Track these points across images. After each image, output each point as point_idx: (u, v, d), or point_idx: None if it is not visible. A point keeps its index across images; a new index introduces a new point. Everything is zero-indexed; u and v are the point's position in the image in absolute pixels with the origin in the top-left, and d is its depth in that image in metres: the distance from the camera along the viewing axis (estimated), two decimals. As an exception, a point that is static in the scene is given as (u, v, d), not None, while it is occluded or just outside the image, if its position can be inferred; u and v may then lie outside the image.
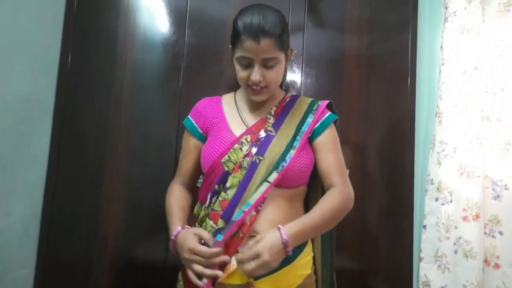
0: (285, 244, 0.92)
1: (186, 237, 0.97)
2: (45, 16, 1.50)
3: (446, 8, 1.70)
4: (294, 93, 1.31)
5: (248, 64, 1.02)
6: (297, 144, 1.06)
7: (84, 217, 1.54)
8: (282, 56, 1.05)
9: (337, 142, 1.14)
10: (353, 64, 1.75)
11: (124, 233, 1.55)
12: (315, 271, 1.13)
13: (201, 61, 1.65)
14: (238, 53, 1.03)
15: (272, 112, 1.12)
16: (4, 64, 1.28)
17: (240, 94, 1.18)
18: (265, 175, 1.01)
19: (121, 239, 1.55)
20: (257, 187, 1.00)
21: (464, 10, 1.66)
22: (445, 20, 1.70)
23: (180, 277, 1.08)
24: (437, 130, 1.67)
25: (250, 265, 0.89)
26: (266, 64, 1.02)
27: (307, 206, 1.15)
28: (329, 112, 1.15)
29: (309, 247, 1.11)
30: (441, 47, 1.70)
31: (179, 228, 1.02)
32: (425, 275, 1.63)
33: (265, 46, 0.98)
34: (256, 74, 1.02)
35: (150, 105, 1.61)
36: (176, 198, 1.13)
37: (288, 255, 0.94)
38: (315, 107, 1.13)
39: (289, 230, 0.94)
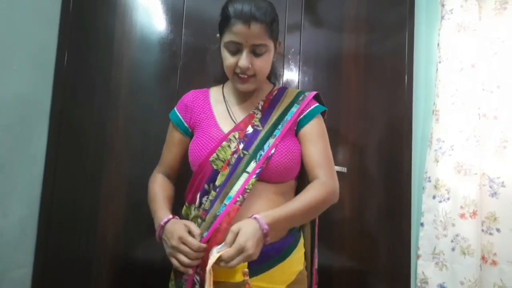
0: (265, 234, 0.90)
1: (176, 226, 0.96)
2: (41, 15, 1.49)
3: (442, 6, 1.71)
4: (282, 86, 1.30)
5: (236, 50, 1.01)
6: (277, 132, 1.03)
7: (82, 217, 1.54)
8: (271, 45, 1.04)
9: (324, 134, 1.10)
10: (350, 63, 1.75)
11: (123, 232, 1.55)
12: (306, 267, 1.13)
13: (198, 60, 1.65)
14: (226, 38, 1.01)
15: (260, 107, 1.10)
16: (0, 63, 1.28)
17: (228, 87, 1.16)
18: (245, 166, 1.00)
19: (120, 239, 1.55)
20: (238, 179, 0.99)
21: (461, 7, 1.66)
22: (442, 18, 1.70)
23: (172, 276, 1.07)
24: (434, 128, 1.67)
25: (235, 261, 0.87)
26: (255, 51, 1.01)
27: None
28: (316, 104, 1.13)
29: (301, 243, 1.11)
30: (438, 45, 1.71)
31: (170, 216, 1.01)
32: (423, 272, 1.63)
33: (255, 31, 0.97)
34: (244, 60, 1.00)
35: (147, 104, 1.61)
36: (161, 186, 1.13)
37: (265, 244, 0.92)
38: (300, 98, 1.12)
39: (266, 218, 0.91)
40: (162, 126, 1.60)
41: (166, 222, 0.99)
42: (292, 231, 1.07)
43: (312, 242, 1.19)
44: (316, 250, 1.20)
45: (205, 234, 0.96)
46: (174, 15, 1.65)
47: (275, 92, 1.15)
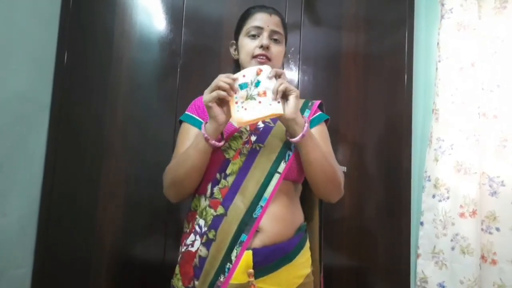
0: (305, 121, 0.98)
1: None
2: (41, 14, 1.49)
3: (442, 5, 1.71)
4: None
5: (257, 35, 1.10)
6: None
7: (81, 216, 1.53)
8: (284, 40, 1.15)
9: (329, 140, 1.15)
10: (350, 62, 1.75)
11: (122, 232, 1.55)
12: (313, 271, 1.12)
13: (198, 59, 1.65)
14: (249, 25, 1.11)
15: None
16: (0, 62, 1.27)
17: None
18: (270, 164, 1.02)
19: (118, 238, 1.55)
20: (269, 179, 1.01)
21: (461, 7, 1.66)
22: (442, 17, 1.70)
23: (177, 271, 1.06)
24: (434, 127, 1.67)
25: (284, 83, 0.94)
26: (273, 37, 1.11)
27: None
28: (320, 112, 1.19)
29: (307, 246, 1.10)
30: (438, 44, 1.71)
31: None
32: (422, 271, 1.63)
33: (275, 19, 1.12)
34: (265, 39, 1.09)
35: (147, 103, 1.61)
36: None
37: (303, 130, 0.96)
38: (310, 104, 1.17)
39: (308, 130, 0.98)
40: (161, 125, 1.61)
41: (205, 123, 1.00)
42: (298, 232, 1.07)
43: (319, 246, 1.19)
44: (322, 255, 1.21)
45: (244, 237, 0.96)
46: (174, 14, 1.65)
47: None
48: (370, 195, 1.70)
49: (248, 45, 1.10)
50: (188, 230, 1.07)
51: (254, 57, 1.09)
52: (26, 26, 1.40)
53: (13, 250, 1.39)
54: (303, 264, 1.05)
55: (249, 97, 0.95)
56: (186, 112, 1.17)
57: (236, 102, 0.95)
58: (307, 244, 1.10)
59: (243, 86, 0.96)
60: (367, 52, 1.75)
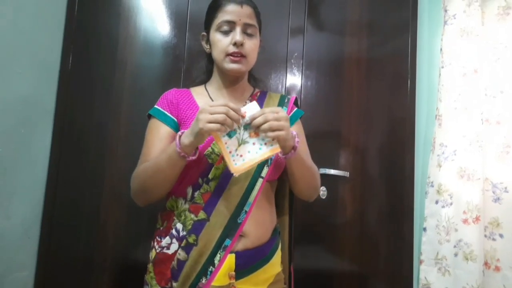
0: (294, 137, 0.94)
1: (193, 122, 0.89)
2: (46, 19, 1.51)
3: (445, 11, 1.71)
4: (288, 95, 1.31)
5: (229, 30, 1.05)
6: None
7: (84, 219, 1.54)
8: (258, 32, 1.09)
9: (304, 137, 1.16)
10: (353, 67, 1.76)
11: (124, 235, 1.55)
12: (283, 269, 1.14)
13: (201, 64, 1.65)
14: (219, 19, 1.05)
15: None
16: (5, 66, 1.29)
17: (212, 86, 1.16)
18: (254, 169, 0.99)
19: (122, 241, 1.55)
20: (253, 184, 0.99)
21: (464, 13, 1.66)
22: (445, 23, 1.71)
23: (150, 269, 1.05)
24: (437, 132, 1.67)
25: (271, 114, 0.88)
26: (247, 31, 1.05)
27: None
28: (296, 108, 1.18)
29: (280, 246, 1.12)
30: (441, 50, 1.71)
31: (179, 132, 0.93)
32: (425, 277, 1.62)
33: (247, 11, 1.05)
34: (238, 35, 1.03)
35: (150, 108, 1.60)
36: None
37: (294, 146, 0.94)
38: (286, 100, 1.17)
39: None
40: (165, 130, 1.62)
41: (181, 133, 0.92)
42: (274, 234, 1.08)
43: (289, 244, 1.20)
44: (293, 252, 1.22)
45: (228, 242, 0.97)
46: (178, 20, 1.66)
47: (258, 93, 1.18)
48: (372, 200, 1.70)
49: (220, 42, 1.05)
50: (161, 228, 1.06)
51: (228, 55, 1.05)
52: (31, 31, 1.41)
53: (17, 252, 1.39)
54: (277, 263, 1.09)
55: (241, 143, 0.90)
56: (157, 107, 1.11)
57: (230, 152, 0.90)
58: (280, 245, 1.12)
59: (231, 134, 0.90)
60: (370, 57, 1.76)
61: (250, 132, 0.90)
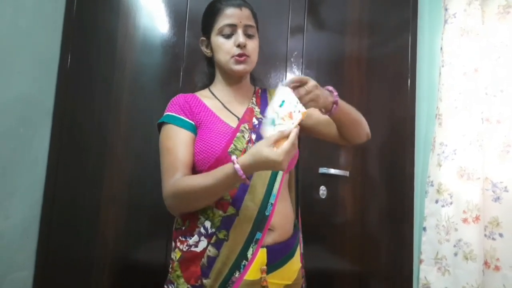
0: (332, 92, 1.06)
1: (253, 150, 0.89)
2: (45, 18, 1.50)
3: (446, 10, 1.71)
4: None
5: (231, 33, 1.07)
6: None
7: (84, 219, 1.54)
8: (256, 32, 1.12)
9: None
10: (353, 66, 1.75)
11: (124, 235, 1.55)
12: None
13: (200, 63, 1.64)
14: (220, 23, 1.07)
15: (254, 102, 1.15)
16: (4, 65, 1.28)
17: (216, 88, 1.16)
18: None
19: (121, 241, 1.55)
20: (274, 176, 1.02)
21: (464, 12, 1.66)
22: (445, 22, 1.70)
23: (176, 267, 1.03)
24: (437, 131, 1.67)
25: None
26: (247, 32, 1.09)
27: None
28: None
29: (299, 242, 1.14)
30: (441, 49, 1.71)
31: (233, 157, 0.91)
32: (425, 277, 1.62)
33: (246, 13, 1.09)
34: (241, 37, 1.06)
35: (149, 106, 1.61)
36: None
37: (334, 100, 1.04)
38: None
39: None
40: (164, 129, 1.61)
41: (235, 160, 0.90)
42: (294, 228, 1.11)
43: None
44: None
45: (259, 235, 0.99)
46: (177, 18, 1.65)
47: (260, 91, 1.21)
48: (373, 200, 1.69)
49: (224, 45, 1.08)
50: (184, 228, 1.05)
51: (233, 57, 1.07)
52: (30, 30, 1.40)
53: (16, 252, 1.39)
54: (298, 258, 1.11)
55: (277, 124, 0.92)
56: (170, 113, 1.08)
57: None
58: (300, 239, 1.15)
59: (273, 122, 0.92)
60: (370, 57, 1.75)
61: (284, 115, 0.93)
